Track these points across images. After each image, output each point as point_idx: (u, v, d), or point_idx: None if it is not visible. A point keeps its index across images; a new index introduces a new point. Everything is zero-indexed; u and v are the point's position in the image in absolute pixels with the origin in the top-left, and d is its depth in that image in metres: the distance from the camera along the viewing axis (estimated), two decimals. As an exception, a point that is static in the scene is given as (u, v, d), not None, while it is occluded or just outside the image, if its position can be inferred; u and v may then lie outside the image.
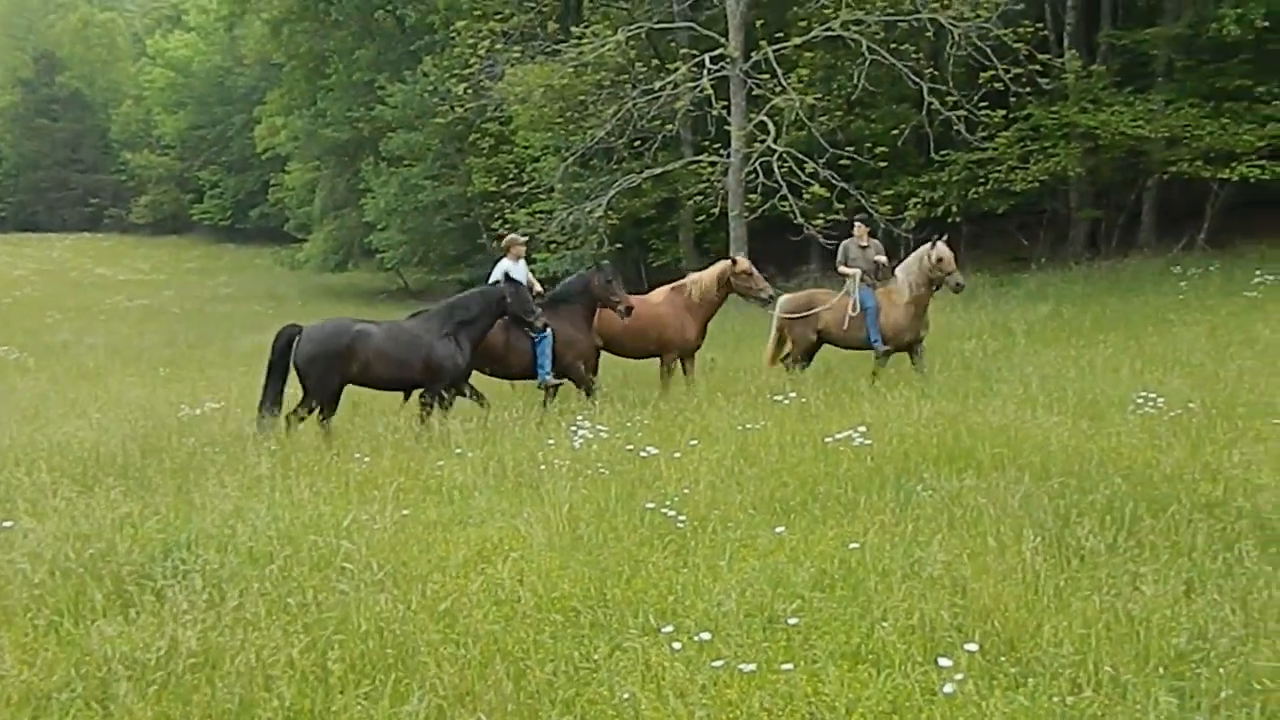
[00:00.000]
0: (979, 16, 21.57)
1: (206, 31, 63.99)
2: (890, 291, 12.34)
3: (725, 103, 23.22)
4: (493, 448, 8.88)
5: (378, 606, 5.14)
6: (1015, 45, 22.07)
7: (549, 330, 11.48)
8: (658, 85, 23.23)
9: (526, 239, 13.21)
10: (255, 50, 49.72)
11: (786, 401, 9.90)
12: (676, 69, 23.14)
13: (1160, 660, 4.34)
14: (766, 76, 22.76)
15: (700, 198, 24.71)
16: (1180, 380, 10.10)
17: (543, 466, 8.08)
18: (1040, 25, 24.37)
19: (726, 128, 23.44)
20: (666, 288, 12.87)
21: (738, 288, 12.30)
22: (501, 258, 12.45)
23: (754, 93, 23.32)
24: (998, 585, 4.92)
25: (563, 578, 5.75)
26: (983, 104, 22.52)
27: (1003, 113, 23.27)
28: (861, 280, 12.41)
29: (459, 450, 8.72)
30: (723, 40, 23.50)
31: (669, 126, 24.09)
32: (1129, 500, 6.09)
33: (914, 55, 23.41)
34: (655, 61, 25.62)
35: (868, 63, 22.65)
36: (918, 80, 22.60)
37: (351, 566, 5.74)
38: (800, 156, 22.62)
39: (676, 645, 4.63)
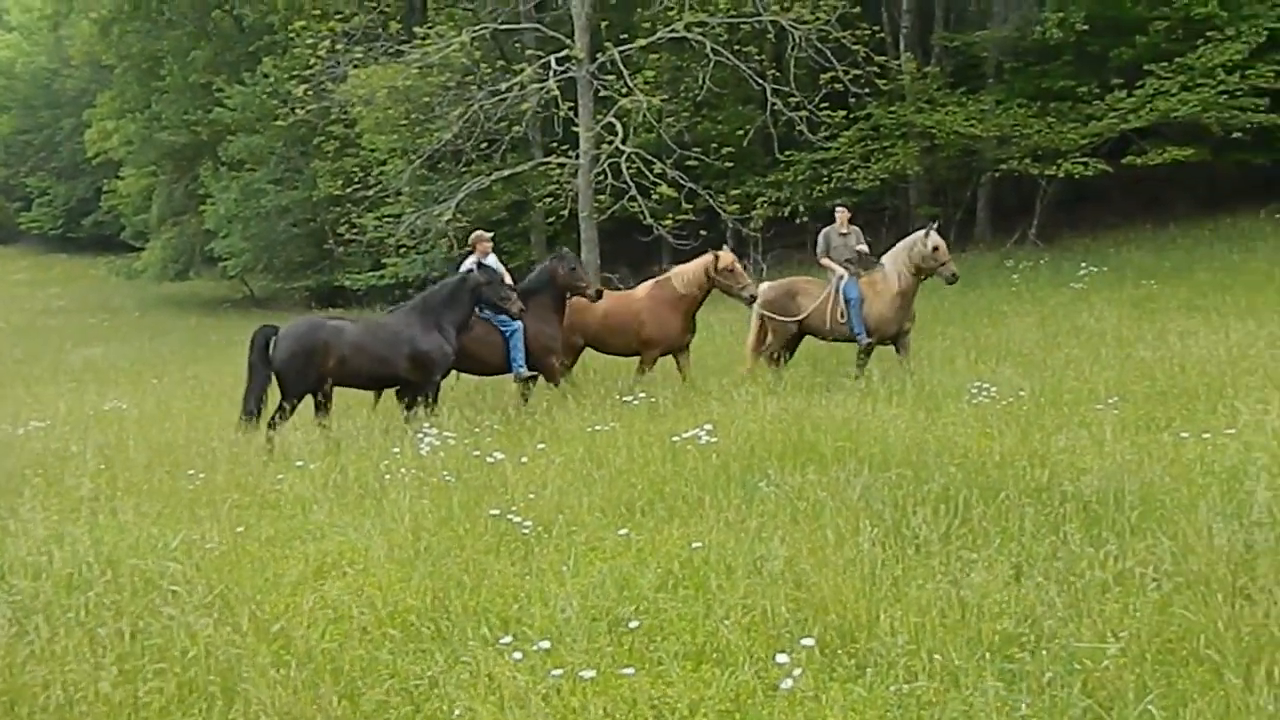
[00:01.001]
0: (818, 19, 22.02)
1: (30, 31, 60.66)
2: (875, 281, 11.78)
3: (573, 104, 23.17)
4: (335, 459, 8.64)
5: (205, 631, 4.90)
6: (854, 47, 22.61)
7: (519, 323, 11.31)
8: (504, 87, 23.02)
9: (491, 235, 12.82)
10: (83, 51, 47.32)
11: (636, 402, 9.90)
12: (522, 70, 22.97)
13: (990, 645, 4.45)
14: (613, 78, 22.78)
15: (550, 199, 24.63)
16: (1012, 370, 10.49)
17: (387, 476, 7.89)
18: (877, 28, 25.04)
19: (575, 129, 23.38)
20: (649, 283, 12.44)
21: (719, 284, 11.70)
22: (468, 254, 12.25)
23: (601, 94, 23.30)
24: (837, 578, 4.98)
25: (404, 591, 5.61)
26: (824, 105, 23.01)
27: (843, 113, 23.85)
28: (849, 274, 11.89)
29: (300, 463, 8.45)
30: (569, 42, 23.43)
31: (516, 128, 23.92)
32: (963, 488, 6.24)
33: (757, 57, 23.81)
34: (501, 63, 25.39)
35: (712, 64, 22.90)
36: (761, 82, 22.95)
37: (179, 589, 5.48)
38: (648, 157, 22.70)
39: (517, 655, 4.54)
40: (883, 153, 25.22)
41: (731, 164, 24.75)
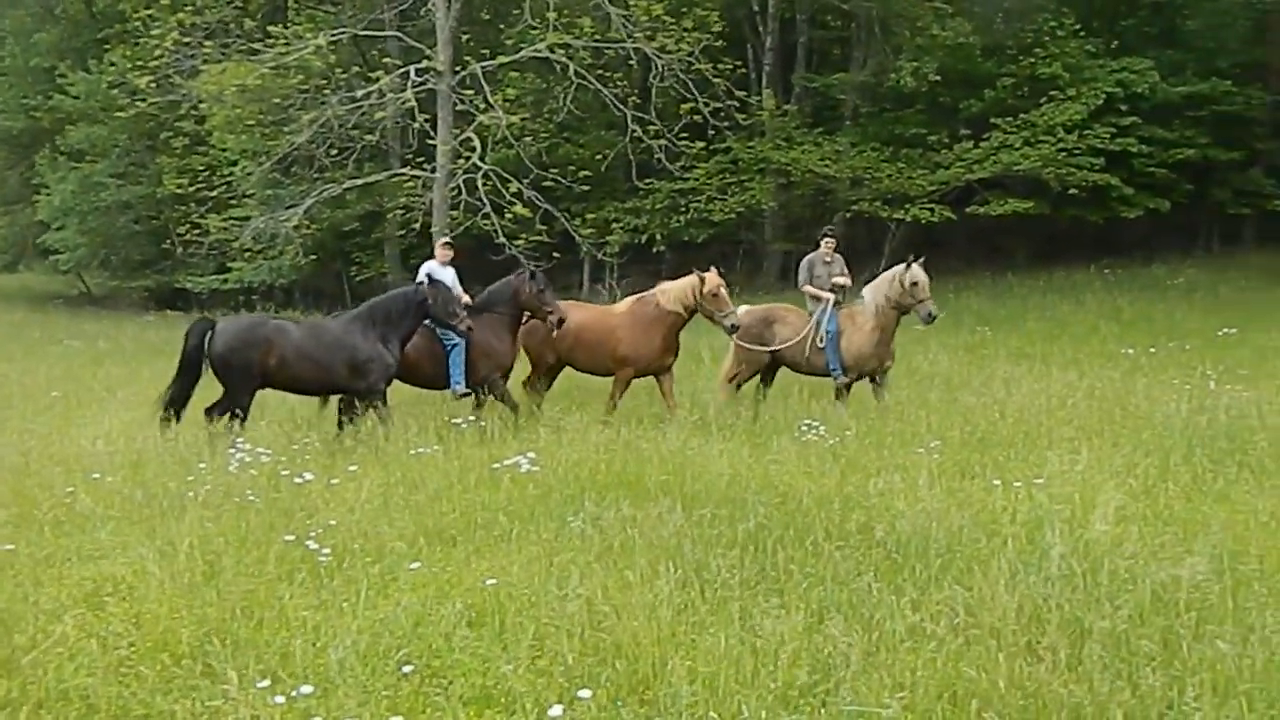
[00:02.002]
0: (682, 50, 22.17)
1: None
2: (855, 314, 11.28)
3: (431, 117, 22.79)
4: (136, 472, 8.14)
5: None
6: (716, 80, 22.85)
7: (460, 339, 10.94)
8: (361, 93, 22.50)
9: (449, 241, 12.41)
10: (-86, 24, 44.70)
11: (465, 425, 9.62)
12: (381, 78, 22.49)
13: (784, 695, 4.35)
14: (474, 93, 22.51)
15: (404, 212, 24.14)
16: (843, 408, 10.57)
17: (190, 493, 7.44)
18: (740, 63, 25.39)
19: (433, 142, 22.99)
20: (631, 298, 11.74)
21: (701, 308, 10.93)
22: (429, 259, 11.90)
23: (461, 109, 22.99)
24: (633, 621, 4.82)
25: (185, 620, 5.23)
26: (684, 135, 23.18)
27: (703, 145, 24.06)
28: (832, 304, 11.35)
29: (96, 475, 7.92)
30: (430, 53, 23.05)
31: (371, 137, 23.41)
32: (776, 529, 6.19)
33: (620, 83, 23.82)
34: (359, 69, 24.81)
35: (575, 87, 22.85)
36: (623, 108, 22.99)
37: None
38: (505, 176, 22.47)
39: (279, 699, 4.24)
40: (740, 186, 25.55)
41: (590, 188, 24.70)
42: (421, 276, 11.31)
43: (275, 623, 5.23)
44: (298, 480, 7.58)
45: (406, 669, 4.54)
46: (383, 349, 10.20)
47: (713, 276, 10.87)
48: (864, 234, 27.96)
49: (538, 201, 22.30)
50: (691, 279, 10.95)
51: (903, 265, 10.96)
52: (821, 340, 11.16)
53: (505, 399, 11.08)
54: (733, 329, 10.84)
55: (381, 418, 9.98)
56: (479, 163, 22.14)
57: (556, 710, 4.05)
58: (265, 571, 5.86)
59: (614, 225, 25.42)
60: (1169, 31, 27.56)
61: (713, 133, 23.94)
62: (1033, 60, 24.88)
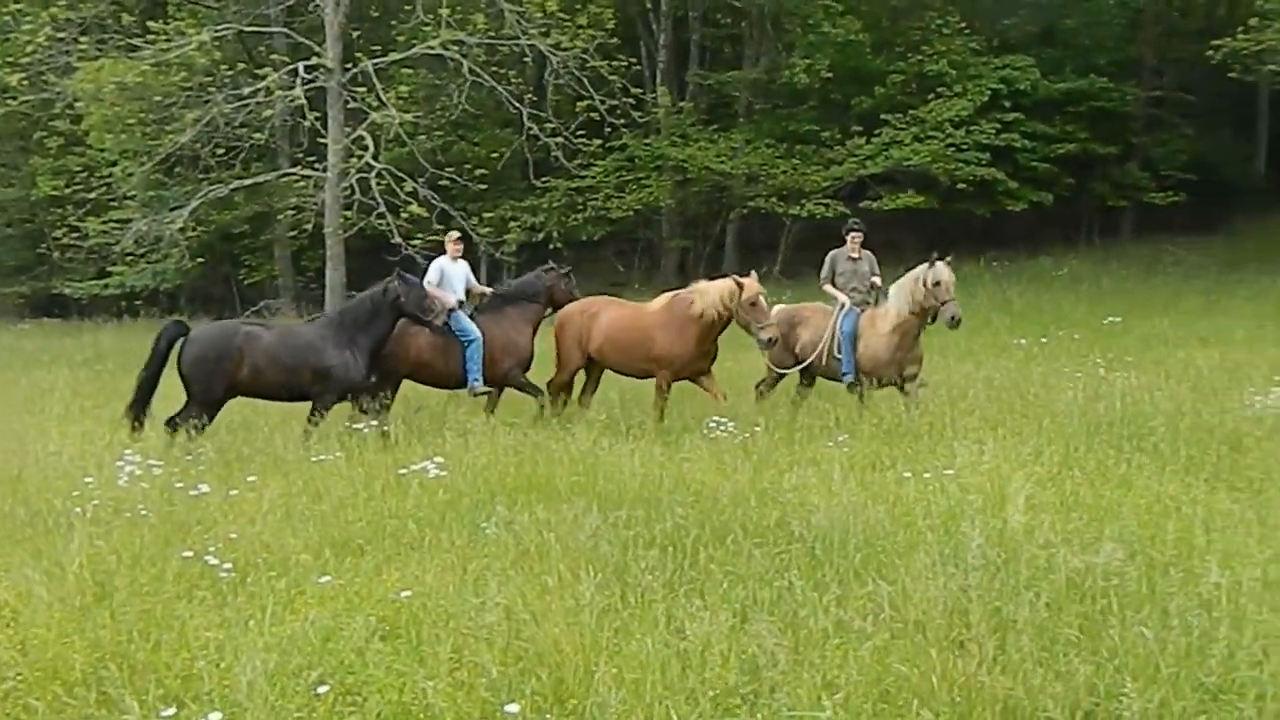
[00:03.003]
0: (576, 47, 22.04)
1: None
2: (876, 316, 10.46)
3: (321, 115, 22.25)
4: (16, 488, 7.72)
5: None
6: (611, 78, 22.79)
7: (479, 334, 10.68)
8: (247, 91, 21.88)
9: (460, 235, 11.96)
10: None
11: (366, 431, 9.36)
12: (267, 75, 21.87)
13: (711, 698, 4.26)
14: (365, 91, 22.06)
15: (295, 213, 23.55)
16: (749, 405, 10.56)
17: (77, 510, 7.07)
18: (635, 61, 25.37)
19: (323, 141, 22.46)
20: (667, 295, 11.00)
21: (736, 316, 10.11)
22: (438, 255, 11.63)
23: (352, 106, 22.51)
24: (555, 629, 4.69)
25: (77, 645, 4.93)
26: (581, 133, 23.06)
27: (600, 142, 23.96)
28: (853, 303, 10.64)
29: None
30: (319, 49, 22.51)
31: (259, 135, 22.78)
32: (693, 528, 6.12)
33: (515, 80, 23.59)
34: (244, 66, 24.13)
35: (469, 84, 22.56)
36: (519, 105, 22.78)
37: None
38: (400, 174, 22.08)
39: (186, 727, 4.02)
40: (637, 184, 25.54)
41: (486, 187, 24.41)
42: (433, 273, 11.12)
43: (176, 644, 4.96)
44: (193, 492, 7.27)
45: (321, 689, 4.34)
46: (349, 357, 9.91)
47: (751, 283, 10.08)
48: (760, 230, 28.21)
49: (433, 200, 21.95)
50: (728, 283, 10.16)
51: (925, 265, 10.00)
52: (839, 351, 10.46)
53: (528, 388, 10.99)
54: (769, 343, 10.00)
55: (315, 424, 9.83)
56: (372, 162, 21.71)
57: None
58: (162, 590, 5.58)
59: (511, 224, 25.18)
60: (1048, 30, 28.33)
61: (609, 130, 23.89)
62: (920, 58, 25.37)
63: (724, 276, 10.37)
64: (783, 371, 10.96)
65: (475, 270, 13.84)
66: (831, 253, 11.08)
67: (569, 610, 4.94)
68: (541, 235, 25.20)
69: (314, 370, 9.81)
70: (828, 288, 10.96)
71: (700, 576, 5.53)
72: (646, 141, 25.61)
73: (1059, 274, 23.50)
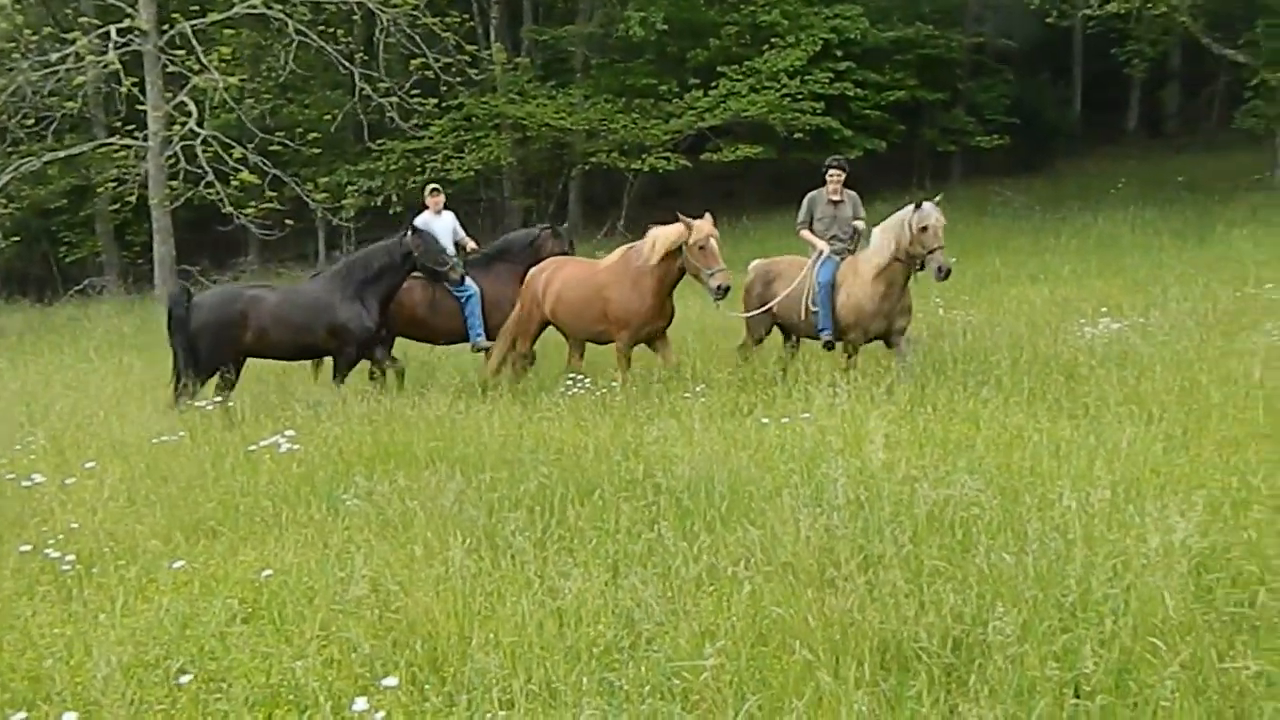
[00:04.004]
0: (407, 4, 21.47)
1: None
2: (858, 262, 9.31)
3: (138, 81, 21.16)
4: None
5: None
6: (445, 35, 22.30)
7: (475, 288, 10.27)
8: (55, 57, 20.63)
9: (437, 187, 11.59)
10: None
11: (210, 407, 8.98)
12: (76, 39, 20.65)
13: (590, 655, 4.23)
14: (184, 54, 21.06)
15: (116, 185, 22.39)
16: (603, 359, 10.52)
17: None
18: (468, 17, 24.85)
19: (142, 108, 21.37)
20: (621, 248, 10.03)
21: (686, 263, 9.13)
22: (421, 212, 11.26)
23: (172, 70, 21.47)
24: (426, 598, 4.58)
25: (-96, 652, 4.59)
26: (416, 92, 22.53)
27: (435, 102, 23.45)
28: (834, 251, 9.53)
29: None
30: (132, 11, 21.35)
31: (71, 104, 21.54)
32: (559, 486, 6.06)
33: (345, 40, 22.87)
34: (50, 30, 22.72)
35: (296, 44, 21.78)
36: (349, 65, 22.10)
37: None
38: (227, 141, 21.23)
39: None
40: (476, 143, 25.11)
41: (320, 150, 23.65)
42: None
43: (20, 644, 4.68)
44: (25, 483, 6.84)
45: (183, 679, 4.14)
46: (361, 310, 9.68)
47: (703, 224, 9.07)
48: (603, 186, 28.14)
49: (264, 167, 21.18)
50: (677, 227, 9.18)
51: (911, 206, 8.92)
52: (814, 296, 9.41)
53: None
54: (719, 291, 8.88)
55: (342, 377, 9.73)
56: (196, 128, 20.83)
57: (361, 704, 3.77)
58: (1, 588, 5.24)
59: (348, 188, 24.48)
60: (875, -21, 28.95)
61: (445, 89, 23.40)
62: (753, 9, 25.53)
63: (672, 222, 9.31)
64: (748, 315, 10.00)
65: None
66: (809, 194, 9.93)
67: (439, 578, 4.84)
68: (380, 199, 24.58)
69: (329, 327, 9.64)
70: (805, 234, 9.87)
71: (570, 534, 5.49)
72: (484, 100, 25.15)
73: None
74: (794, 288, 9.53)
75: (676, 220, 9.17)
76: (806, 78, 24.67)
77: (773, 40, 25.17)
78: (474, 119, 25.26)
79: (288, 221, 22.27)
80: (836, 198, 9.79)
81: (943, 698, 3.75)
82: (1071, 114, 31.51)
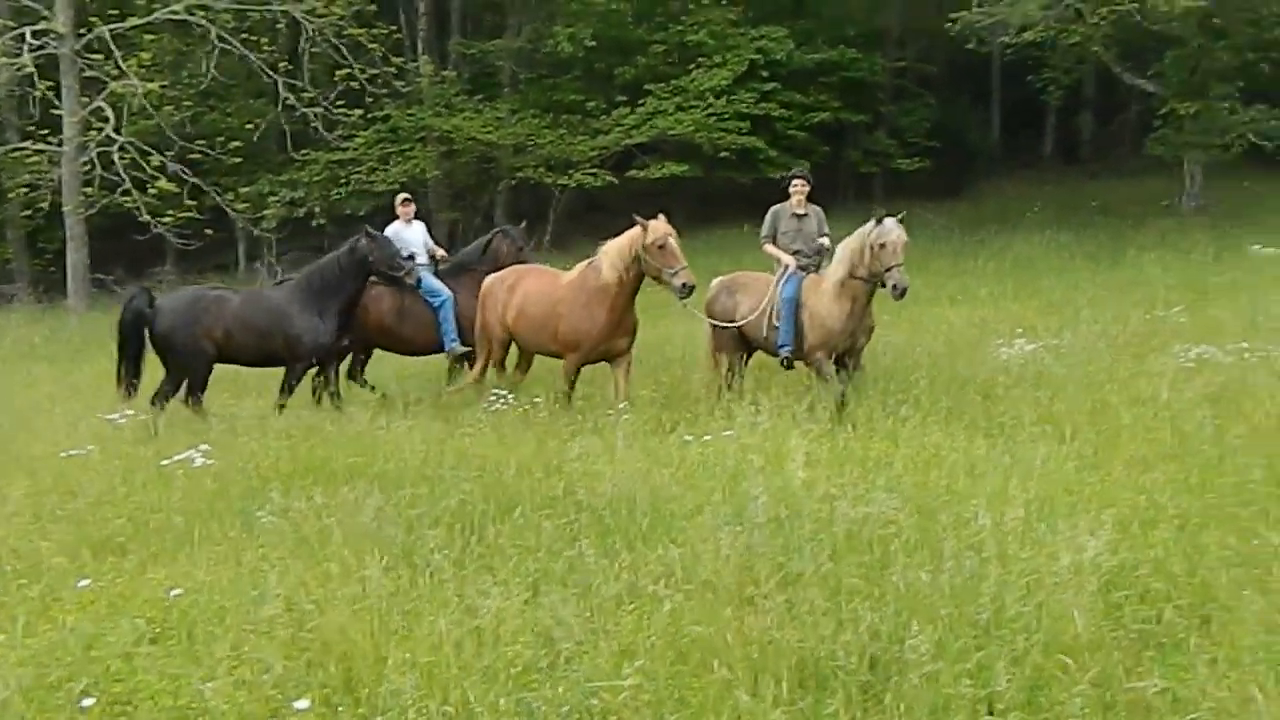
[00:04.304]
0: (332, 14, 21.27)
1: None
2: (820, 280, 9.10)
3: (54, 85, 20.65)
4: None
5: None
6: (371, 46, 22.12)
7: (448, 294, 10.19)
8: (-35, 59, 20.08)
9: (408, 197, 11.46)
10: None
11: (122, 420, 8.76)
12: (-11, 42, 20.12)
13: (508, 675, 4.19)
14: (103, 58, 20.61)
15: (28, 191, 21.81)
16: (547, 371, 10.44)
17: None
18: (395, 29, 24.69)
19: (57, 113, 20.86)
20: (582, 264, 9.47)
21: (646, 265, 8.78)
22: (392, 221, 11.12)
23: (89, 75, 20.98)
24: (343, 617, 4.50)
25: None
26: (340, 103, 22.29)
27: (360, 113, 23.22)
28: (798, 266, 9.23)
29: None
30: (47, 13, 20.85)
31: (-20, 108, 20.98)
32: (480, 503, 6.01)
33: (269, 48, 22.55)
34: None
35: (218, 52, 21.44)
36: (273, 74, 21.82)
37: None
38: (145, 148, 20.80)
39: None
40: (401, 155, 24.91)
41: (242, 160, 23.25)
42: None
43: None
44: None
45: (86, 702, 4.02)
46: (316, 322, 9.54)
47: (658, 224, 8.77)
48: (529, 200, 28.05)
49: (184, 175, 20.81)
50: (632, 232, 8.85)
51: (872, 221, 8.68)
52: (777, 313, 9.13)
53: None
54: (684, 289, 8.59)
55: (288, 390, 9.54)
56: (114, 134, 20.38)
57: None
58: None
59: (270, 199, 24.12)
60: (800, 2, 29.31)
61: (370, 100, 23.19)
62: (680, 28, 25.73)
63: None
64: (721, 324, 9.59)
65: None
66: (773, 208, 9.68)
67: (355, 596, 4.76)
68: (303, 210, 24.25)
69: (285, 336, 9.52)
70: (769, 248, 9.57)
71: (489, 552, 5.44)
72: (410, 112, 24.97)
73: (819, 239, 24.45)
74: (762, 306, 9.22)
75: (632, 226, 8.89)
76: (732, 97, 24.90)
77: (699, 60, 25.37)
78: (400, 131, 25.07)
79: (207, 231, 21.90)
80: (801, 211, 9.55)
81: (859, 716, 3.78)
82: (990, 138, 32.18)
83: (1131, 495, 5.80)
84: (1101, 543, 4.63)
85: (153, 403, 9.31)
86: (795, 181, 9.66)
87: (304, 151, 24.23)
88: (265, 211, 23.50)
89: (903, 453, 6.72)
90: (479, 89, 27.25)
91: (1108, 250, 19.26)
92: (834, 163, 28.27)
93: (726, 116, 24.67)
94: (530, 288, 9.64)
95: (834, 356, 8.96)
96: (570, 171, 24.49)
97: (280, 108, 21.90)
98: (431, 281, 10.49)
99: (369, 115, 23.99)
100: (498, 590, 4.84)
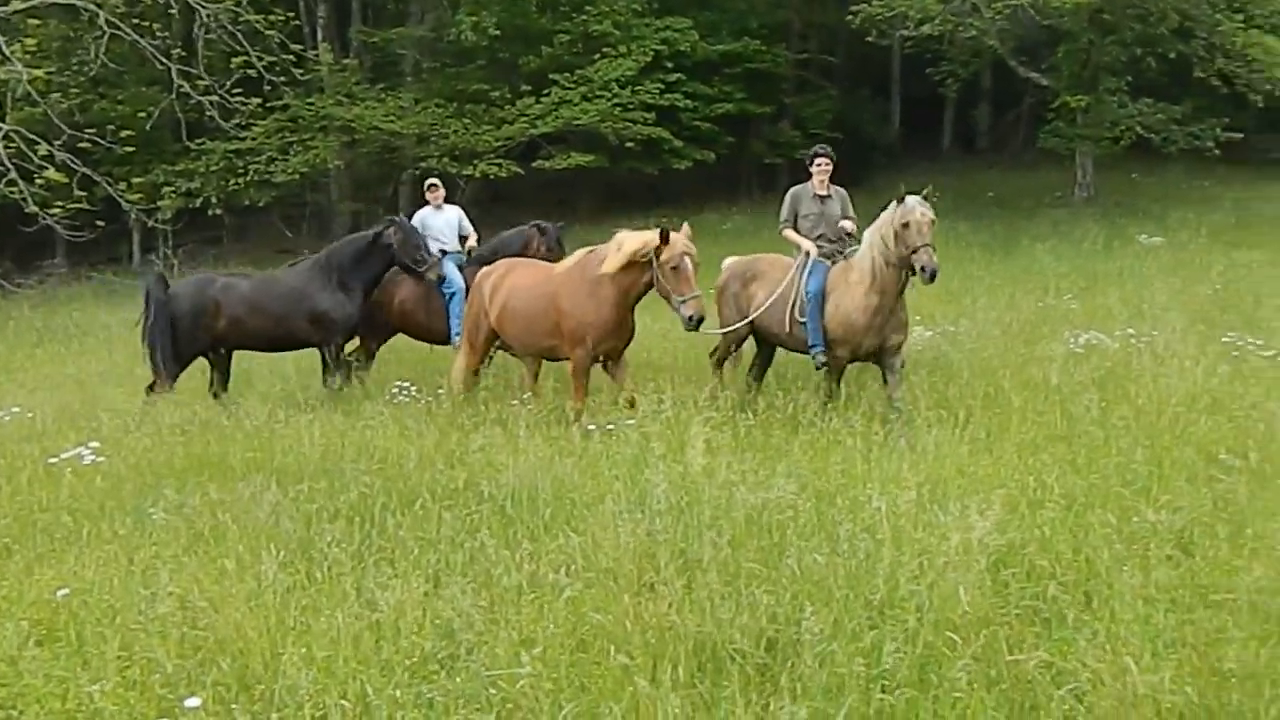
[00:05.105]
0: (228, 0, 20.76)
1: None
2: (849, 268, 8.17)
3: (-69, 70, 19.84)
4: None
5: None
6: (269, 33, 21.62)
7: (461, 286, 10.01)
8: None
9: (435, 182, 11.17)
10: None
11: (7, 418, 8.50)
12: None
13: (407, 667, 4.17)
14: (-15, 43, 19.84)
15: (-97, 179, 20.91)
16: (437, 368, 10.39)
17: None
18: (293, 15, 24.16)
19: (-64, 99, 20.05)
20: (580, 252, 8.67)
21: (656, 280, 7.90)
22: (423, 206, 10.98)
23: (-31, 61, 20.19)
24: (238, 614, 4.43)
25: None
26: (238, 91, 21.74)
27: (259, 101, 22.70)
28: (820, 254, 8.41)
29: None
30: (-76, -3, 20.00)
31: None
32: (379, 496, 5.96)
33: (161, 34, 21.91)
34: None
35: (108, 37, 20.77)
36: (166, 61, 21.19)
37: None
38: (32, 136, 20.03)
39: None
40: (302, 145, 24.44)
41: (135, 149, 22.55)
42: (415, 225, 10.37)
43: None
44: None
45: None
46: (343, 298, 9.60)
47: (678, 239, 7.83)
48: (434, 192, 27.78)
49: (73, 165, 20.07)
50: (648, 235, 7.96)
51: (894, 202, 7.84)
52: (802, 314, 8.27)
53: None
54: (689, 322, 7.67)
55: (333, 369, 9.57)
56: (-3, 123, 19.62)
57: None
58: None
59: (164, 189, 23.48)
60: (705, -6, 29.49)
61: (269, 88, 22.63)
62: (585, 17, 25.67)
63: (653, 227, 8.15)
64: (724, 331, 8.90)
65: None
66: (792, 190, 8.84)
67: (251, 593, 4.70)
68: (199, 201, 23.67)
69: (309, 316, 9.54)
70: (789, 233, 8.72)
71: (390, 545, 5.41)
72: (310, 101, 24.50)
73: (725, 228, 24.57)
74: (779, 294, 8.40)
75: (642, 230, 8.20)
76: (637, 88, 24.91)
77: (604, 50, 25.33)
78: (300, 120, 24.59)
79: (99, 223, 21.20)
80: (824, 192, 8.68)
81: (755, 698, 3.84)
82: (891, 130, 32.71)
83: (1020, 477, 5.97)
84: (990, 523, 4.76)
85: (214, 396, 9.54)
86: (818, 160, 8.73)
87: (200, 141, 23.58)
88: (160, 202, 22.87)
89: (801, 439, 6.82)
90: (381, 78, 26.86)
91: (1002, 240, 19.74)
92: (738, 154, 28.49)
93: (632, 107, 24.69)
94: (515, 281, 8.85)
95: (859, 356, 8.15)
96: (475, 162, 24.27)
97: (174, 96, 21.24)
98: (448, 270, 10.25)
99: (268, 104, 23.43)
100: (398, 583, 4.82)
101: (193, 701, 3.82)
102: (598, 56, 25.22)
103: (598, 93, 24.58)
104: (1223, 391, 7.88)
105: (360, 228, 26.48)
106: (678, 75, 25.89)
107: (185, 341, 9.48)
